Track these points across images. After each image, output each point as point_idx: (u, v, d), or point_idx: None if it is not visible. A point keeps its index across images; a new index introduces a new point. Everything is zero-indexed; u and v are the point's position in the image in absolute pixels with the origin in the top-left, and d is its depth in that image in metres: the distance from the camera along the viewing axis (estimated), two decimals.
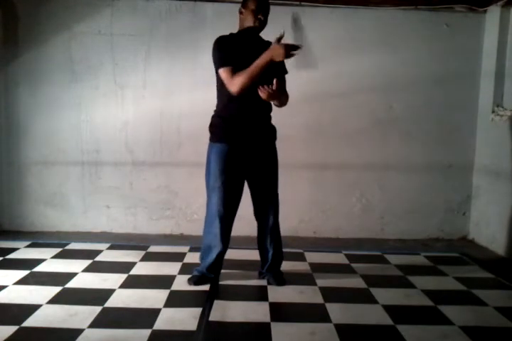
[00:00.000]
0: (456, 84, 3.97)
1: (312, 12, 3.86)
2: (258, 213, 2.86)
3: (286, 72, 2.82)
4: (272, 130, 2.87)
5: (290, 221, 3.98)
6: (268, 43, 2.63)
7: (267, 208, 2.82)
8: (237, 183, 2.77)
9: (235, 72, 2.55)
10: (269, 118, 2.85)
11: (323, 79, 3.91)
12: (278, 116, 3.85)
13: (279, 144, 3.98)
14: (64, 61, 3.84)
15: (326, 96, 3.91)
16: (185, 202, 3.98)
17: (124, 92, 3.89)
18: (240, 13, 2.68)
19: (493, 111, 3.80)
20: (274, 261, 2.88)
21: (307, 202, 4.02)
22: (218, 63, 2.63)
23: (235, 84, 2.54)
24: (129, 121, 3.92)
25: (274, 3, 3.76)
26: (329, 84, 3.93)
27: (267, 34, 2.68)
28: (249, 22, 2.62)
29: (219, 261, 2.83)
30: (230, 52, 2.60)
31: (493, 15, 3.82)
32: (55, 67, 3.85)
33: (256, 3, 2.61)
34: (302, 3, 3.82)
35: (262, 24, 2.65)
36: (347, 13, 3.87)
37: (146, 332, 2.17)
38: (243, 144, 2.71)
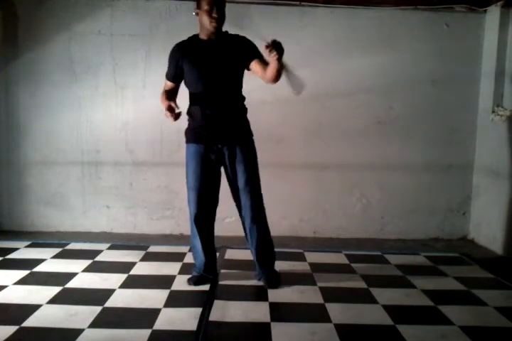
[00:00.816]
0: (456, 84, 3.96)
1: (312, 12, 3.86)
2: (239, 213, 2.82)
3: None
4: (244, 125, 2.77)
5: (290, 221, 3.99)
6: (235, 36, 2.68)
7: (243, 208, 2.77)
8: (211, 183, 2.74)
9: (175, 82, 2.80)
10: (239, 113, 2.75)
11: (322, 79, 3.91)
12: (278, 116, 3.90)
13: (279, 144, 3.99)
14: (64, 61, 3.84)
15: (325, 96, 3.91)
16: (185, 202, 3.94)
17: (124, 92, 3.89)
18: (196, 14, 2.63)
19: (493, 111, 3.79)
20: (261, 262, 2.82)
21: (307, 201, 4.02)
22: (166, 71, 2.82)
23: (160, 96, 2.79)
24: (129, 121, 3.92)
25: (274, 3, 3.81)
26: (329, 84, 3.92)
27: (268, 35, 2.67)
28: (206, 22, 2.58)
29: (210, 261, 2.83)
30: (174, 65, 2.74)
31: (493, 15, 3.82)
32: (55, 67, 3.85)
33: (208, 2, 2.55)
34: (302, 3, 3.82)
35: (219, 22, 2.59)
36: (347, 13, 3.87)
37: (146, 332, 2.17)
38: (212, 143, 2.68)
